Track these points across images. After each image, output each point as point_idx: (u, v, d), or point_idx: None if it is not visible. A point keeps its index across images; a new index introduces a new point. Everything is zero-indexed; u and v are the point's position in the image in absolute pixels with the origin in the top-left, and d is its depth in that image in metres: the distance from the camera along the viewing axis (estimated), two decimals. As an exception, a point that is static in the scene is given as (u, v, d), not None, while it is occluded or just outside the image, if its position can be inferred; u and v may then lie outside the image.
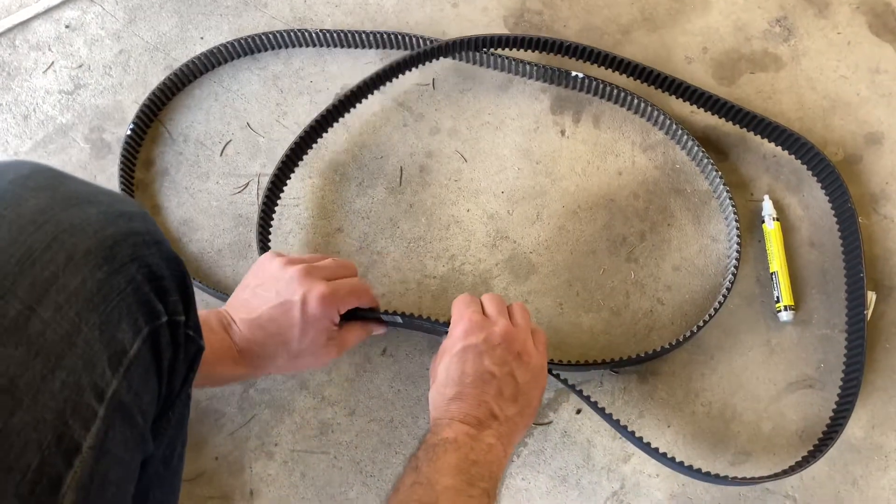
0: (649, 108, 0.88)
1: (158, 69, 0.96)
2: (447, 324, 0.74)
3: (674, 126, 0.87)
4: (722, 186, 0.84)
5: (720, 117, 0.88)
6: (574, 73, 0.90)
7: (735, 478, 0.73)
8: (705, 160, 0.85)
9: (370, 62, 0.95)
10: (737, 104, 0.86)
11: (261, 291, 0.73)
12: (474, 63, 0.94)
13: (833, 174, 0.84)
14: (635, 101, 0.89)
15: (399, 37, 0.93)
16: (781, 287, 0.81)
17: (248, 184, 0.90)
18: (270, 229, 0.87)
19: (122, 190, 0.88)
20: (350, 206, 0.89)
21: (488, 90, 0.93)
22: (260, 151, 0.91)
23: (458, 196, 0.89)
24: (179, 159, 0.91)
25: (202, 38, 0.98)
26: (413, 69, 0.90)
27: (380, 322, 0.80)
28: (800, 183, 0.87)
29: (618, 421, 0.74)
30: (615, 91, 0.90)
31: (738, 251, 0.81)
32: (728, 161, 0.88)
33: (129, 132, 0.90)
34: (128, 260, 0.50)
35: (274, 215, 0.88)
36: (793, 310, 0.81)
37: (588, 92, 0.92)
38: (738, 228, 0.82)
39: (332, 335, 0.74)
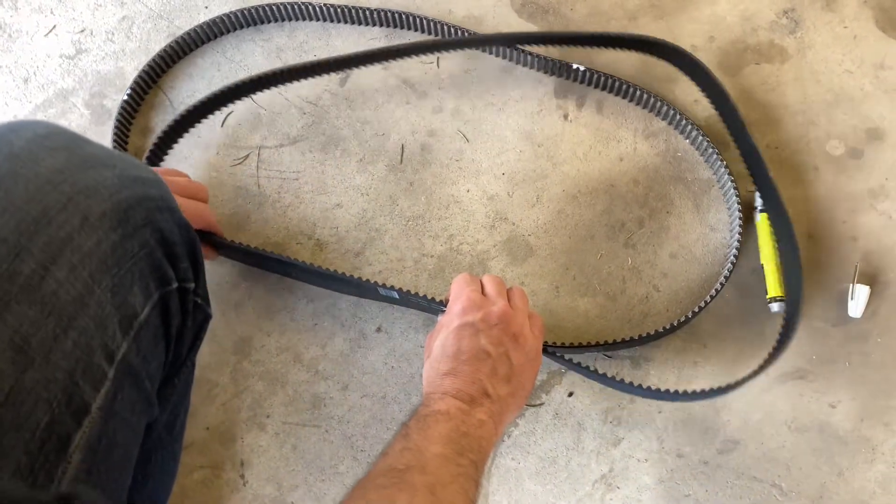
0: (652, 99, 0.88)
1: (161, 37, 0.96)
2: (443, 303, 0.74)
3: (677, 115, 0.87)
4: (726, 176, 0.84)
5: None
6: (575, 66, 0.90)
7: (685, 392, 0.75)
8: (710, 149, 0.85)
9: (375, 38, 0.95)
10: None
11: None
12: (476, 48, 0.94)
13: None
14: (637, 92, 0.89)
15: (405, 16, 0.93)
16: (768, 279, 0.82)
17: (247, 156, 0.90)
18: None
19: None
20: (350, 182, 0.89)
21: (493, 71, 0.93)
22: (261, 124, 0.91)
23: (458, 176, 0.89)
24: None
25: (206, 7, 0.97)
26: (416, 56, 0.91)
27: (213, 248, 0.80)
28: (801, 175, 0.87)
29: (604, 375, 0.76)
30: (616, 83, 0.89)
31: (738, 240, 0.82)
32: (729, 151, 0.88)
33: (125, 97, 0.89)
34: (142, 224, 0.50)
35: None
36: (782, 301, 0.81)
37: (589, 84, 0.91)
38: (740, 218, 0.82)
39: None
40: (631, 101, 0.91)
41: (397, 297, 0.79)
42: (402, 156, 0.90)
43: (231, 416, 0.80)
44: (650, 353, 0.81)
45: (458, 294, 0.70)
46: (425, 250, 0.86)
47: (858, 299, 0.81)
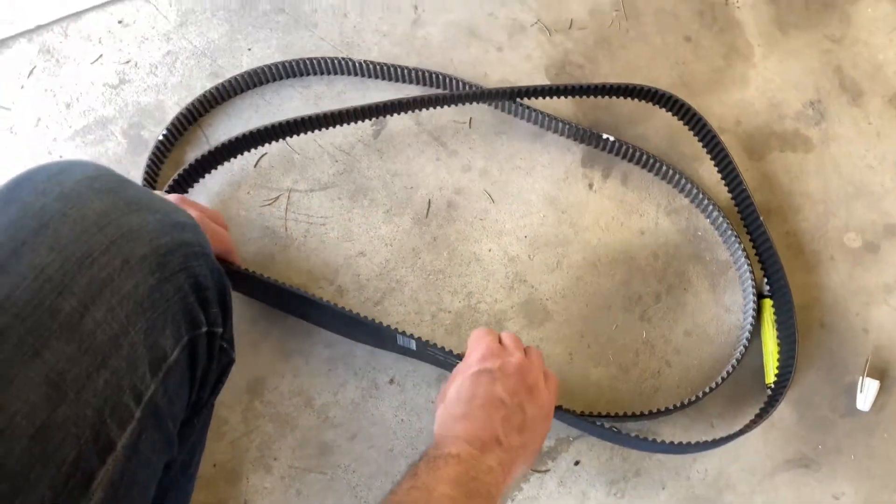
0: (677, 175, 0.90)
1: (203, 74, 0.98)
2: (460, 356, 0.75)
3: (700, 195, 0.89)
4: (743, 259, 0.86)
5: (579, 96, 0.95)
6: (605, 136, 0.92)
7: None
8: (729, 231, 0.87)
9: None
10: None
11: None
12: (508, 112, 0.96)
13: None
14: (663, 167, 0.91)
15: (440, 77, 0.95)
16: (767, 367, 0.83)
17: (277, 198, 0.92)
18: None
19: (145, 185, 0.89)
20: (375, 232, 0.90)
21: (523, 136, 0.95)
22: (293, 167, 0.93)
23: (481, 235, 0.91)
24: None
25: (250, 49, 1.00)
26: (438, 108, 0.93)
27: (229, 274, 0.81)
28: (817, 264, 0.89)
29: (611, 429, 0.78)
30: (644, 156, 0.92)
31: (752, 324, 0.83)
32: (747, 235, 0.90)
33: (161, 137, 0.91)
34: (178, 269, 0.51)
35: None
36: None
37: (617, 154, 0.94)
38: (754, 302, 0.84)
39: None
40: (656, 174, 0.93)
41: (414, 347, 0.80)
42: (428, 210, 0.92)
43: (239, 454, 0.81)
44: (658, 428, 0.82)
45: (478, 342, 0.71)
46: (443, 305, 0.87)
47: (867, 392, 0.82)
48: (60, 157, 0.93)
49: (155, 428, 0.51)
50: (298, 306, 0.84)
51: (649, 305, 0.87)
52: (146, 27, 1.01)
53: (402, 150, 0.94)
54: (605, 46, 1.00)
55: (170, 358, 0.51)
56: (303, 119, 0.89)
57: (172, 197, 0.78)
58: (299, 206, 0.91)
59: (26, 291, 0.44)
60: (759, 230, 0.87)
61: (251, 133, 0.88)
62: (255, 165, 0.93)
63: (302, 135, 0.91)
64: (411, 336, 0.79)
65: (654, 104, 0.93)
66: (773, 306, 0.85)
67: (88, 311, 0.45)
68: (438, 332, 0.86)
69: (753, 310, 0.84)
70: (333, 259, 0.89)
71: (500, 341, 0.73)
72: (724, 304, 0.87)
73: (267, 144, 0.91)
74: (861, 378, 0.83)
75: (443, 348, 0.78)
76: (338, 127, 0.92)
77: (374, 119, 0.93)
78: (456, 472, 0.59)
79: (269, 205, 0.91)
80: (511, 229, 0.91)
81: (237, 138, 0.88)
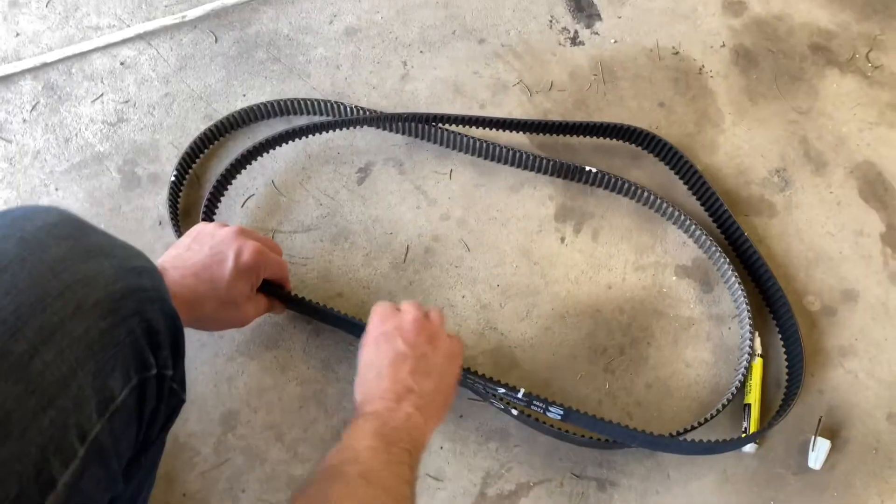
0: (658, 201, 0.96)
1: (198, 117, 1.03)
2: (506, 385, 0.82)
3: (703, 236, 0.95)
4: (745, 308, 0.91)
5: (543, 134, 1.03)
6: (588, 168, 0.96)
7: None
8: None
9: (396, 144, 1.02)
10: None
11: (195, 246, 0.78)
12: (489, 158, 1.01)
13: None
14: (644, 193, 0.96)
15: (425, 128, 1.00)
16: (752, 419, 0.86)
17: (262, 237, 0.95)
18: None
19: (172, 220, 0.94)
20: (354, 275, 0.94)
21: (500, 189, 0.99)
22: (279, 209, 0.97)
23: (456, 281, 0.94)
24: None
25: (244, 95, 1.04)
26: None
27: (284, 303, 0.87)
28: (771, 324, 0.93)
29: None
30: (626, 185, 0.97)
31: (741, 381, 0.87)
32: (711, 294, 0.94)
33: (172, 178, 0.96)
34: (130, 314, 0.53)
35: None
36: (757, 443, 0.85)
37: (601, 186, 0.98)
38: (748, 359, 0.88)
39: (252, 295, 0.81)
40: (639, 202, 0.98)
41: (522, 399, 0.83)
42: (406, 256, 0.95)
43: (208, 485, 0.83)
44: (616, 478, 0.85)
45: (373, 313, 0.78)
46: (415, 349, 0.90)
47: (819, 452, 0.85)
48: (56, 189, 0.97)
49: (99, 466, 0.52)
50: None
51: (613, 357, 0.91)
52: (147, 69, 1.06)
53: (384, 197, 0.98)
54: (583, 108, 1.05)
55: (118, 399, 0.53)
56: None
57: (231, 229, 0.80)
58: (282, 246, 0.94)
59: None
60: (766, 275, 0.93)
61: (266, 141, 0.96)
62: (242, 206, 0.97)
63: (301, 175, 0.96)
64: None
65: (642, 147, 1.00)
66: (781, 340, 0.92)
67: (38, 353, 0.47)
68: (409, 374, 0.89)
69: (746, 366, 0.88)
70: (312, 299, 0.92)
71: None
72: (685, 360, 0.91)
73: (261, 187, 0.95)
74: (813, 437, 0.85)
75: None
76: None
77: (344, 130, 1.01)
78: (374, 426, 0.65)
79: (253, 244, 0.95)
80: (484, 278, 0.95)
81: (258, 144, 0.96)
